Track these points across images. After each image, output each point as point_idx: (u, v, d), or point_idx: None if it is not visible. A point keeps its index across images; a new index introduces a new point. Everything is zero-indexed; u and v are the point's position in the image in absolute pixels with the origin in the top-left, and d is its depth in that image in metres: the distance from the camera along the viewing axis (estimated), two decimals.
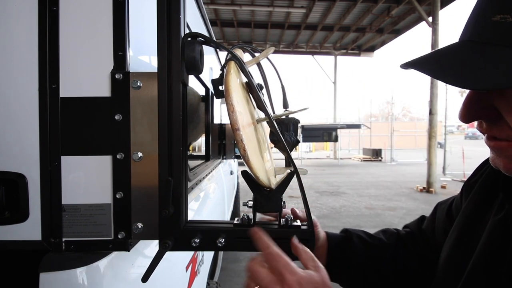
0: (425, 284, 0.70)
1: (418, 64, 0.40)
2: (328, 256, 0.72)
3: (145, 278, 0.55)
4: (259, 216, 0.65)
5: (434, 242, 0.69)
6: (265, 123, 0.63)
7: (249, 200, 0.61)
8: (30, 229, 0.63)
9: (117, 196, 0.63)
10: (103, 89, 0.63)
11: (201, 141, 1.56)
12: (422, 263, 0.70)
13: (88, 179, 0.63)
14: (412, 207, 6.33)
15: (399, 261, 0.71)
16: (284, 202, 0.59)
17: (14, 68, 0.63)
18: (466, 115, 0.42)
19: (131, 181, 0.63)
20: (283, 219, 0.60)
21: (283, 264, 0.47)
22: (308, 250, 0.53)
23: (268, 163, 0.66)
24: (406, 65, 0.41)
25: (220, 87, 0.58)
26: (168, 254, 0.58)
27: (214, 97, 0.61)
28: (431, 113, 8.05)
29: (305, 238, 0.58)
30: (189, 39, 0.55)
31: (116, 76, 0.62)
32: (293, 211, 0.68)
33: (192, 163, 1.34)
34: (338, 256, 0.72)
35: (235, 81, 0.52)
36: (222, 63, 0.59)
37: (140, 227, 0.63)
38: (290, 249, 0.54)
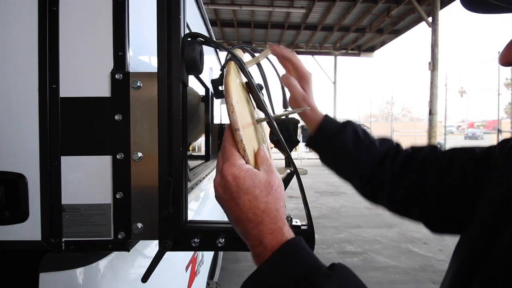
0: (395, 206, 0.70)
1: None
2: (315, 133, 0.74)
3: (145, 278, 0.55)
4: None
5: (427, 180, 0.64)
6: (265, 123, 0.63)
7: None
8: (30, 229, 0.63)
9: (117, 196, 0.63)
10: (103, 89, 0.63)
11: (201, 141, 1.56)
12: (395, 188, 0.68)
13: (88, 179, 0.63)
14: None
15: (376, 175, 0.70)
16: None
17: (14, 68, 0.63)
18: (507, 56, 0.42)
19: (131, 181, 0.63)
20: None
21: (225, 156, 0.45)
22: (267, 155, 0.49)
23: None
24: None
25: (220, 87, 0.58)
26: (168, 254, 0.58)
27: (214, 97, 0.61)
28: (431, 113, 8.05)
29: (305, 238, 0.58)
30: (189, 39, 0.55)
31: (116, 76, 0.62)
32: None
33: (192, 163, 1.34)
34: (324, 140, 0.73)
35: (235, 81, 0.52)
36: (222, 63, 0.59)
37: (140, 227, 0.63)
38: None
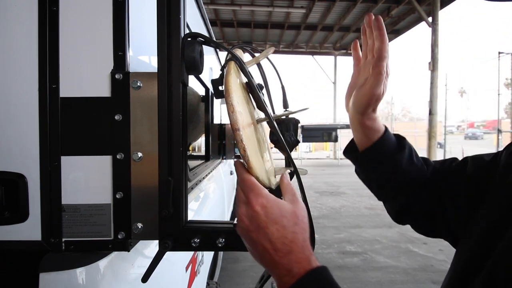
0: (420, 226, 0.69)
1: None
2: (372, 147, 0.67)
3: (145, 278, 0.55)
4: None
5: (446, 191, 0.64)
6: (265, 123, 0.63)
7: None
8: (30, 229, 0.63)
9: (117, 196, 0.63)
10: (103, 89, 0.63)
11: (201, 141, 1.56)
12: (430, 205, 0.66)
13: (88, 179, 0.63)
14: None
15: (423, 196, 0.67)
16: None
17: (14, 68, 0.63)
18: None
19: (131, 181, 0.63)
20: None
21: (249, 187, 0.45)
22: (291, 184, 0.50)
23: (268, 163, 0.66)
24: None
25: (220, 87, 0.58)
26: (168, 254, 0.58)
27: (214, 97, 0.61)
28: (430, 113, 8.06)
29: None
30: (189, 39, 0.55)
31: (116, 76, 0.62)
32: None
33: (192, 163, 1.34)
34: (378, 157, 0.67)
35: (235, 81, 0.52)
36: (222, 63, 0.59)
37: (140, 227, 0.63)
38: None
